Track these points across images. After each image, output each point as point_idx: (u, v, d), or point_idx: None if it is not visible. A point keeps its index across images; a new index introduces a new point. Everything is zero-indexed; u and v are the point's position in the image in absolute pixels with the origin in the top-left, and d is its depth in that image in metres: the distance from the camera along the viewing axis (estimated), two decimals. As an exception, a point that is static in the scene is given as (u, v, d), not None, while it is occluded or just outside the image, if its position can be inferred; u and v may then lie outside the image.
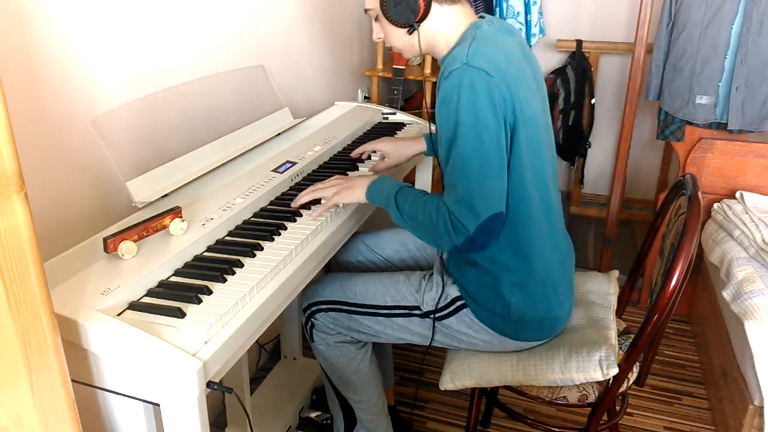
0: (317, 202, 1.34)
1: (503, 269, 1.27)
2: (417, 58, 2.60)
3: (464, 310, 1.33)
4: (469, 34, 1.22)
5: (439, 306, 1.34)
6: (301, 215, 1.30)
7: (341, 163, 1.61)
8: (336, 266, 1.68)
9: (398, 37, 1.30)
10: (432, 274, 1.39)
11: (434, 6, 1.24)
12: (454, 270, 1.36)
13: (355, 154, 1.61)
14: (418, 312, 1.36)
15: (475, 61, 1.12)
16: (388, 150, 1.58)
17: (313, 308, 1.44)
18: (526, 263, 1.27)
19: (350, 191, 1.31)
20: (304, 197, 1.34)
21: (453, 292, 1.34)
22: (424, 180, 2.05)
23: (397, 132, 1.89)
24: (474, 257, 1.29)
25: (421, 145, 1.62)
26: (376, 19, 1.33)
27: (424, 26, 1.26)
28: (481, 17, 1.28)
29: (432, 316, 1.35)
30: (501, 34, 1.24)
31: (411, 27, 1.26)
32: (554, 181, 1.31)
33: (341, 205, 1.35)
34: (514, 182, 1.20)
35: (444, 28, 1.26)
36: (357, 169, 1.57)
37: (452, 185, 1.17)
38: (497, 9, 2.73)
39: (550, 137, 1.30)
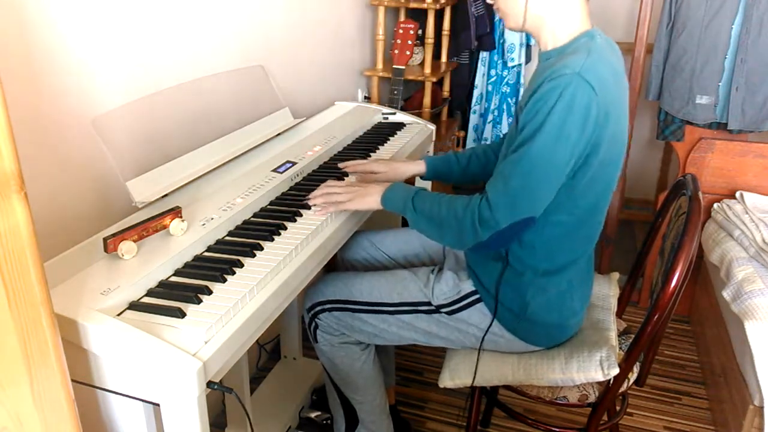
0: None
1: (530, 271, 1.28)
2: (416, 56, 2.60)
3: (478, 304, 1.33)
4: (585, 43, 1.19)
5: (451, 300, 1.35)
6: (309, 208, 1.32)
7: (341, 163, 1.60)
8: (341, 264, 1.68)
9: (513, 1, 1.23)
10: (441, 269, 1.39)
11: None
12: (474, 265, 1.36)
13: (350, 169, 1.52)
14: (425, 308, 1.36)
15: (587, 73, 1.11)
16: (384, 170, 1.51)
17: (317, 308, 1.44)
18: (555, 271, 1.28)
19: (364, 198, 1.31)
20: (319, 198, 1.32)
21: (467, 287, 1.35)
22: (423, 185, 2.05)
23: (397, 132, 1.88)
24: (503, 254, 1.30)
25: (420, 168, 1.55)
26: None
27: (539, 3, 1.21)
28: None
29: (441, 310, 1.35)
30: (608, 50, 1.22)
31: None
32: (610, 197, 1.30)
33: (351, 210, 1.33)
34: (575, 198, 1.20)
35: (558, 16, 1.22)
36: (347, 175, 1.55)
37: (505, 176, 1.15)
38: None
39: (624, 154, 1.28)
